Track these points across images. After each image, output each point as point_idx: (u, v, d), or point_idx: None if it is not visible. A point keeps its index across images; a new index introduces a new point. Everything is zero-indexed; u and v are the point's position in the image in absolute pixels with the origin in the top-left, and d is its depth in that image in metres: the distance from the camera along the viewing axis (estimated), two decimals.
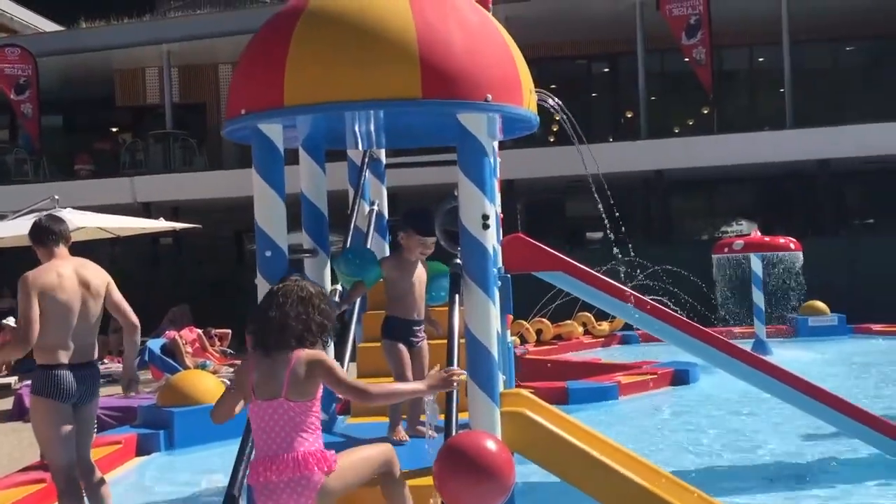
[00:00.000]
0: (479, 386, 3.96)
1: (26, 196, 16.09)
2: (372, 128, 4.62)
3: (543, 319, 14.97)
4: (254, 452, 3.35)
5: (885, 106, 18.53)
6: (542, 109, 4.93)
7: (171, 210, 19.94)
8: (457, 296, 4.11)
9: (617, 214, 7.20)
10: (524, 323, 14.56)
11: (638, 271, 12.98)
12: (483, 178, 4.03)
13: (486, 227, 4.02)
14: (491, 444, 2.72)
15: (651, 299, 6.96)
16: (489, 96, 3.87)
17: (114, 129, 24.32)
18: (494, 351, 4.00)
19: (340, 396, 3.88)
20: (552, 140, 20.25)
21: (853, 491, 6.06)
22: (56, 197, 14.06)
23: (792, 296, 15.03)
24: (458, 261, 4.19)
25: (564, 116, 5.22)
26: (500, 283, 4.98)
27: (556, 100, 5.22)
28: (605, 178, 8.04)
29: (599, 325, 15.60)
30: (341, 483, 3.19)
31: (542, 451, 4.19)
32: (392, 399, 3.72)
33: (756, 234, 13.76)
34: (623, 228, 7.49)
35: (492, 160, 4.87)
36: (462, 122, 3.99)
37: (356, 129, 4.63)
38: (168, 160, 21.89)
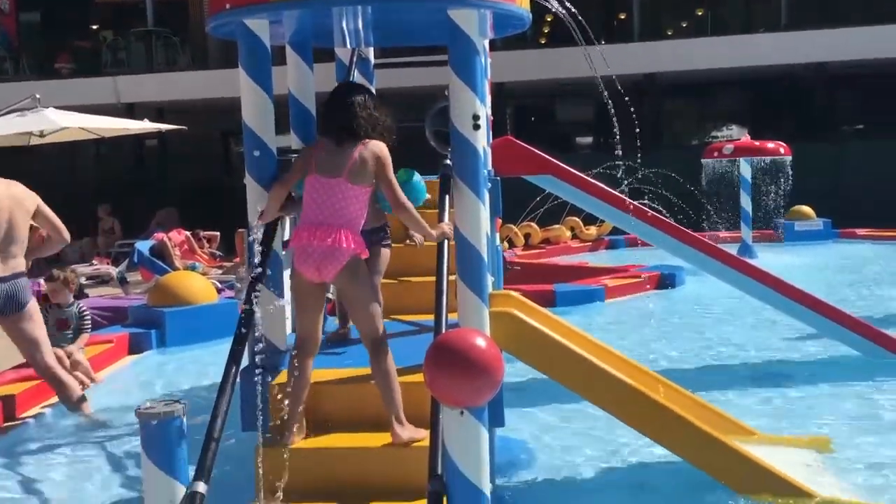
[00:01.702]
0: (468, 286, 3.97)
1: (6, 95, 15.77)
2: (360, 24, 4.49)
3: (532, 224, 15.02)
4: (299, 221, 3.82)
5: (883, 8, 18.20)
6: (538, 6, 4.79)
7: (156, 111, 19.62)
8: (447, 197, 4.08)
9: (613, 118, 7.10)
10: (513, 227, 14.61)
11: (624, 177, 12.93)
12: (474, 77, 3.94)
13: (476, 127, 3.95)
14: (480, 341, 2.75)
15: (640, 203, 6.98)
16: None
17: (94, 27, 23.66)
18: (484, 252, 4.00)
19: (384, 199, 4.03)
20: (543, 42, 19.90)
21: (835, 390, 6.22)
22: (37, 96, 13.79)
23: (779, 200, 15.11)
24: (449, 162, 4.14)
25: (564, 11, 5.07)
26: (489, 185, 4.97)
27: None
28: (597, 82, 7.90)
29: (587, 229, 15.68)
30: (364, 272, 3.74)
31: (531, 351, 4.25)
32: (413, 223, 3.91)
33: (746, 138, 13.71)
34: (616, 132, 7.36)
35: (483, 60, 4.79)
36: (453, 18, 3.88)
37: (344, 25, 4.50)
38: (151, 59, 21.40)
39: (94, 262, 14.52)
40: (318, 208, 3.69)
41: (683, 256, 6.90)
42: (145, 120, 16.11)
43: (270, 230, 3.98)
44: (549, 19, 20.79)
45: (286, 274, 4.21)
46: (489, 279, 4.92)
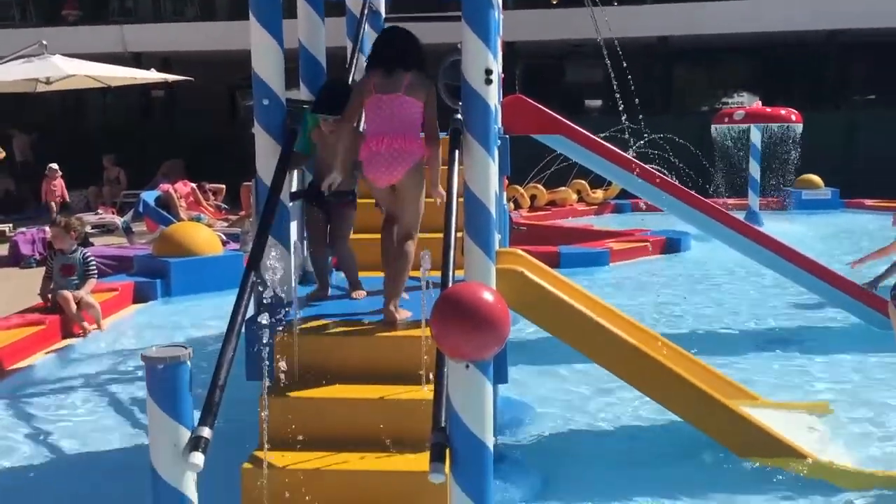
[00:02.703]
0: (476, 243, 3.96)
1: (12, 41, 15.62)
2: None
3: (538, 185, 14.97)
4: (366, 134, 4.16)
5: None
6: None
7: (162, 61, 19.45)
8: (457, 152, 4.05)
9: (623, 81, 7.02)
10: (519, 188, 14.56)
11: (636, 140, 12.86)
12: (488, 31, 3.89)
13: (488, 81, 3.91)
14: (488, 295, 2.74)
15: (649, 167, 6.94)
16: None
17: None
18: (493, 209, 3.98)
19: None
20: (555, 2, 19.63)
21: (837, 357, 6.25)
22: (44, 42, 13.70)
23: (787, 168, 15.02)
24: (459, 116, 4.10)
25: None
26: (499, 143, 4.93)
27: None
28: (608, 44, 7.77)
29: (594, 192, 15.61)
30: (423, 175, 4.12)
31: (537, 309, 4.26)
32: (435, 161, 4.18)
33: (758, 104, 13.58)
34: (627, 95, 7.31)
35: (496, 15, 4.72)
36: None
37: None
38: (158, 8, 21.18)
39: (99, 210, 14.51)
40: (382, 121, 4.08)
41: (691, 220, 6.88)
42: (152, 70, 16.00)
43: (278, 182, 3.96)
44: None
45: (293, 225, 4.20)
46: (496, 237, 4.92)
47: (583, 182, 15.45)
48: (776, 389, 5.44)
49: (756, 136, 13.36)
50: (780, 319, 7.44)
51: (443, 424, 2.98)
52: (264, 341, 3.59)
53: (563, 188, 15.31)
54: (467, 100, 3.93)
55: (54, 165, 14.76)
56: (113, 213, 14.30)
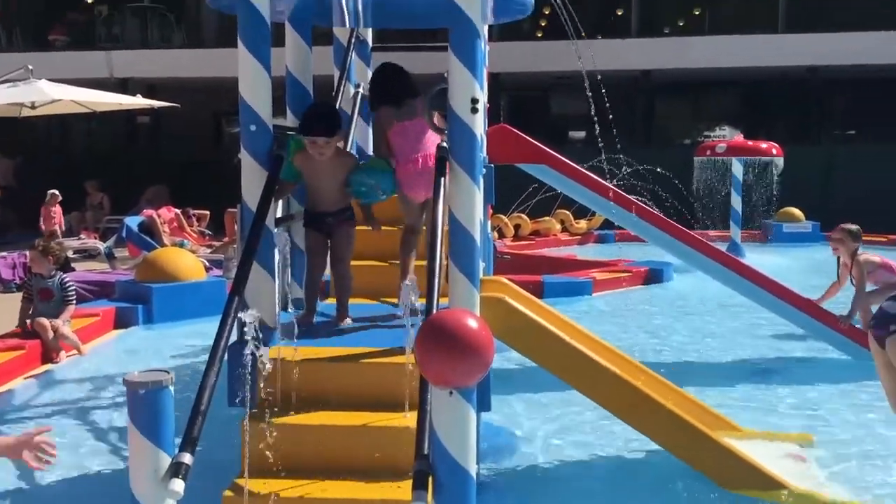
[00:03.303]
0: (460, 271, 3.97)
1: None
2: (360, 4, 4.47)
3: (522, 215, 15.04)
4: (398, 158, 4.56)
5: (877, 15, 18.26)
6: None
7: (148, 87, 19.47)
8: (442, 180, 4.07)
9: (607, 113, 7.11)
10: (503, 217, 14.62)
11: (623, 169, 12.97)
12: (475, 60, 3.93)
13: (474, 111, 3.95)
14: (472, 321, 2.75)
15: (633, 198, 6.98)
16: None
17: (89, 0, 23.45)
18: (477, 237, 4.00)
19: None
20: (540, 35, 19.86)
21: (819, 388, 6.27)
22: (30, 67, 13.68)
23: (769, 201, 15.17)
24: (445, 145, 4.13)
25: (561, 4, 5.07)
26: (484, 171, 4.96)
27: None
28: (592, 77, 7.83)
29: (577, 222, 15.70)
30: None
31: (520, 337, 4.26)
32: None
33: (740, 138, 13.75)
34: (609, 128, 7.40)
35: (483, 45, 4.78)
36: (456, 0, 3.87)
37: (344, 3, 4.48)
38: (145, 35, 21.25)
39: (81, 235, 14.43)
40: (411, 144, 4.51)
41: (670, 249, 6.92)
42: (138, 95, 16.01)
43: (264, 208, 3.96)
44: (546, 12, 20.76)
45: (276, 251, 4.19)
46: (481, 265, 4.93)
47: (566, 212, 15.54)
48: (758, 420, 5.45)
49: (738, 169, 13.51)
50: (762, 350, 7.47)
51: (426, 452, 2.97)
52: (246, 367, 3.58)
53: (547, 218, 15.39)
54: (453, 128, 3.97)
55: (55, 191, 14.69)
56: (95, 238, 14.23)
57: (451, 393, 2.84)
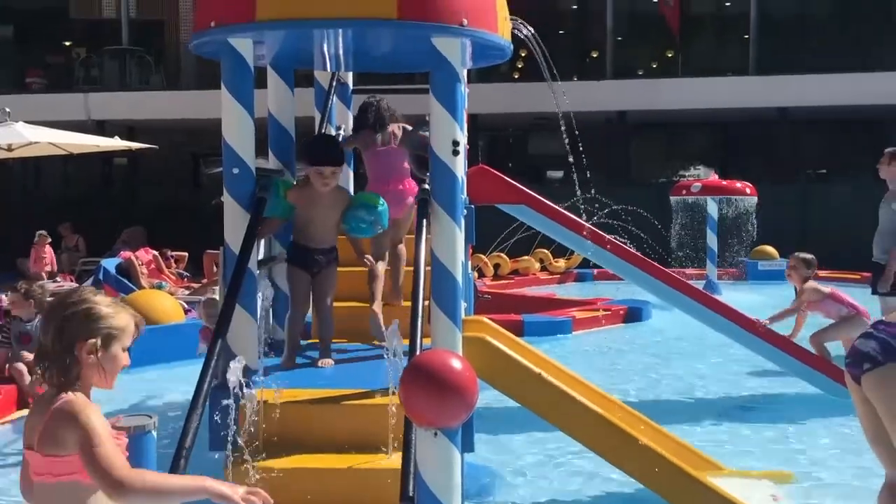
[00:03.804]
0: (442, 311, 4.00)
1: None
2: (341, 50, 4.54)
3: (501, 254, 15.10)
4: (371, 178, 5.22)
5: (849, 57, 18.72)
6: (513, 41, 4.89)
7: (126, 129, 19.47)
8: (424, 221, 4.11)
9: (582, 153, 7.23)
10: (483, 257, 14.68)
11: (595, 208, 13.09)
12: (455, 104, 4.00)
13: (455, 153, 4.01)
14: (455, 362, 2.78)
15: (610, 237, 7.06)
16: (465, 21, 3.83)
17: (67, 43, 23.52)
18: (459, 277, 4.03)
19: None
20: (517, 77, 20.13)
21: (799, 426, 6.31)
22: (7, 110, 13.65)
23: (744, 240, 15.34)
24: (427, 186, 4.18)
25: (538, 48, 5.17)
26: (465, 212, 5.01)
27: (531, 29, 5.17)
28: (568, 118, 7.95)
29: (556, 261, 15.79)
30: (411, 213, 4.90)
31: (503, 377, 4.28)
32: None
33: (714, 177, 13.95)
34: (585, 168, 7.54)
35: (462, 88, 4.86)
36: (437, 46, 3.94)
37: (326, 49, 4.55)
38: (124, 77, 21.30)
39: (57, 278, 14.29)
40: (381, 172, 5.17)
41: (646, 287, 6.99)
42: (116, 137, 15.99)
43: (246, 250, 3.98)
44: (522, 54, 21.07)
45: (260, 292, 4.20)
46: (462, 305, 4.95)
47: (545, 251, 15.63)
48: (738, 458, 5.47)
49: (713, 208, 13.68)
50: (742, 388, 7.52)
51: (410, 494, 2.97)
52: (228, 410, 3.56)
53: (526, 257, 15.47)
54: (435, 170, 4.02)
55: (43, 232, 14.59)
56: (72, 281, 14.10)
57: (435, 434, 2.85)
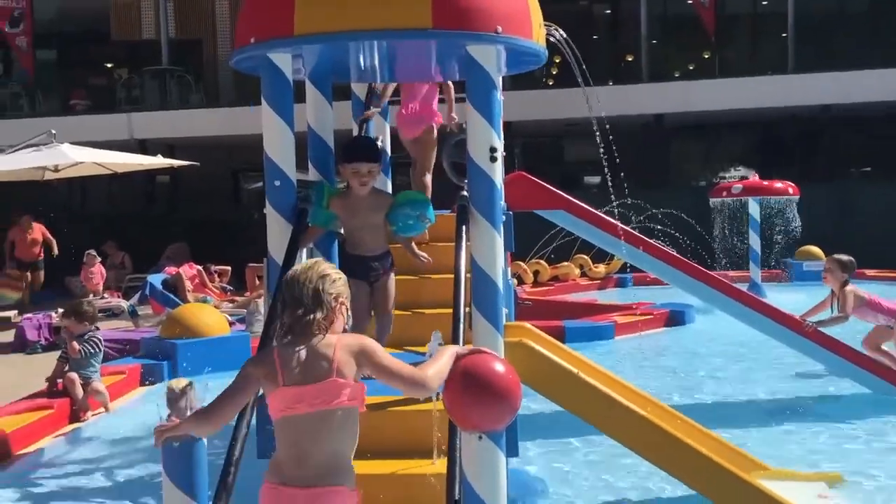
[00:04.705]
0: (484, 317, 4.02)
1: (22, 130, 15.97)
2: (377, 61, 4.58)
3: (541, 261, 15.08)
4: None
5: (886, 52, 18.39)
6: (549, 47, 4.92)
7: (168, 147, 19.83)
8: (463, 228, 4.14)
9: (620, 158, 7.22)
10: (522, 264, 14.66)
11: (631, 214, 13.03)
12: (492, 110, 4.04)
13: (493, 159, 4.04)
14: (499, 366, 2.81)
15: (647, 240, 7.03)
16: (499, 28, 3.86)
17: (109, 65, 24.04)
18: (500, 283, 4.05)
19: None
20: (551, 83, 20.13)
21: (847, 426, 6.22)
22: (53, 132, 14.01)
23: (788, 240, 15.14)
24: (465, 193, 4.21)
25: (570, 52, 5.19)
26: (503, 218, 5.04)
27: (563, 33, 5.18)
28: (602, 122, 7.92)
29: (596, 267, 15.71)
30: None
31: (545, 381, 4.29)
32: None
33: (755, 178, 13.79)
34: (621, 173, 7.53)
35: (498, 95, 4.89)
36: (472, 53, 3.98)
37: (362, 60, 4.61)
38: (164, 96, 21.70)
39: (104, 295, 14.58)
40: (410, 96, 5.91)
41: (688, 288, 6.94)
42: (158, 155, 16.30)
43: (290, 261, 4.04)
44: (556, 61, 21.07)
45: None
46: (503, 311, 4.97)
47: (585, 257, 15.56)
48: (787, 459, 5.40)
49: (754, 209, 13.52)
50: (787, 390, 7.42)
51: (457, 498, 2.99)
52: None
53: (566, 263, 15.42)
54: (473, 177, 4.05)
55: (92, 251, 14.92)
56: (119, 297, 14.37)
57: (480, 437, 2.87)
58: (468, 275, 4.02)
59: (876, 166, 20.95)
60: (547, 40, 4.76)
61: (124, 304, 13.18)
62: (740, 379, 7.89)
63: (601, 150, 6.72)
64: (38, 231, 15.78)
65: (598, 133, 6.71)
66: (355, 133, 6.21)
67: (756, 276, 13.50)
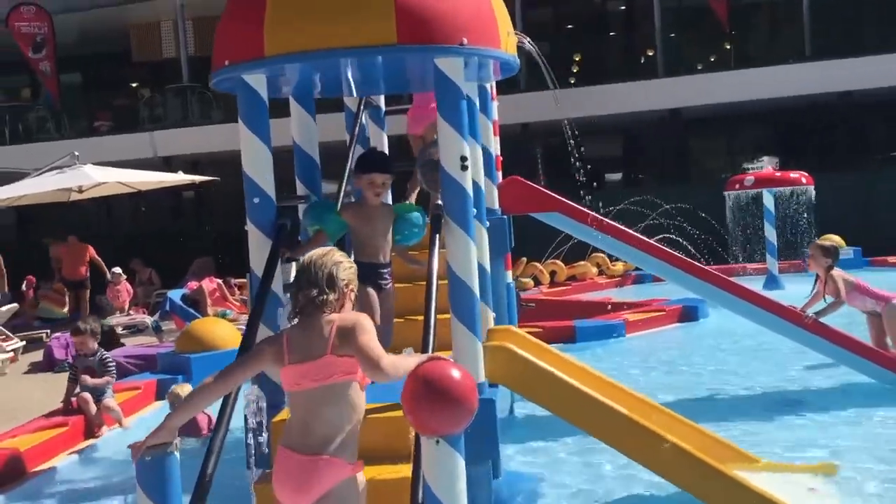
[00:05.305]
0: (461, 321, 4.11)
1: (49, 153, 16.34)
2: (351, 75, 4.68)
3: (557, 261, 15.09)
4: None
5: None
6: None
7: (191, 163, 20.17)
8: (437, 236, 4.23)
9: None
10: (538, 265, 14.68)
11: (649, 212, 13.02)
12: (460, 120, 4.12)
13: (464, 168, 4.12)
14: (453, 371, 2.89)
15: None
16: (465, 40, 3.94)
17: (132, 85, 24.49)
18: (475, 287, 4.14)
19: None
20: (573, 82, 20.12)
21: (850, 418, 6.20)
22: (76, 153, 14.33)
23: (806, 230, 14.99)
24: (440, 202, 4.30)
25: (541, 59, 5.27)
26: (488, 224, 5.11)
27: (531, 42, 5.27)
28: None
29: (614, 264, 15.68)
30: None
31: (526, 383, 4.36)
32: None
33: (769, 169, 13.68)
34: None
35: (476, 102, 4.97)
36: (439, 66, 4.07)
37: (338, 76, 4.71)
38: (186, 113, 22.07)
39: (130, 311, 14.88)
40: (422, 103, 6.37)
41: (691, 288, 6.96)
42: (180, 172, 16.59)
43: (269, 274, 4.15)
44: (577, 59, 21.05)
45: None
46: (489, 315, 5.05)
47: (602, 255, 15.54)
48: (794, 452, 5.39)
49: (769, 201, 13.41)
50: (795, 383, 7.39)
51: (420, 501, 3.08)
52: (257, 430, 3.72)
53: (583, 262, 15.41)
54: (445, 186, 4.15)
55: (117, 270, 15.21)
56: (144, 313, 14.65)
57: (437, 442, 2.95)
58: (442, 282, 4.11)
59: None
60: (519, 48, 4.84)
61: (148, 319, 13.44)
62: (748, 373, 7.86)
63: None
64: (83, 251, 15.95)
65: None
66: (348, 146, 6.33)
67: (773, 268, 13.39)
